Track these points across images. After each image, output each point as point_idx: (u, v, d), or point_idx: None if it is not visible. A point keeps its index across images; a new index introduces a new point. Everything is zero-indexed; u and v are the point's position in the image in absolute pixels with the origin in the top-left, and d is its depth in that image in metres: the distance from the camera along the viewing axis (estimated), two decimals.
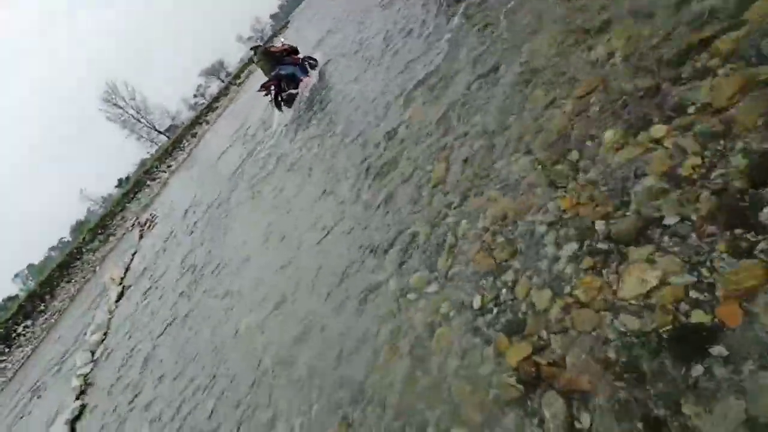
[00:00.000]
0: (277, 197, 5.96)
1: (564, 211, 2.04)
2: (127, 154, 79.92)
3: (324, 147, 5.84)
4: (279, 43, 9.71)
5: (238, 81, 51.59)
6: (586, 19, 3.01)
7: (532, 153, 2.51)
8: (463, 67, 4.04)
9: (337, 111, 6.46)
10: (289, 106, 8.67)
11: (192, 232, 9.24)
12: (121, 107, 57.33)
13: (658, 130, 1.95)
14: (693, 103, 1.92)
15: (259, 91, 9.13)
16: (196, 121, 45.15)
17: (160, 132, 60.65)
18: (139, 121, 59.10)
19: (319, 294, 3.34)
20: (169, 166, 34.05)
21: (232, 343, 4.10)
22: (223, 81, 75.99)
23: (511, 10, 3.99)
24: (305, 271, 3.79)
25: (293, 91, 8.66)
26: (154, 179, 32.53)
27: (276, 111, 8.92)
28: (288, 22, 70.16)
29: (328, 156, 5.47)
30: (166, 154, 39.10)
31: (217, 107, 46.27)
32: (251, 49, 9.43)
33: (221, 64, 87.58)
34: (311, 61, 9.52)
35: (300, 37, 22.81)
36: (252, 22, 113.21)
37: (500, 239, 2.20)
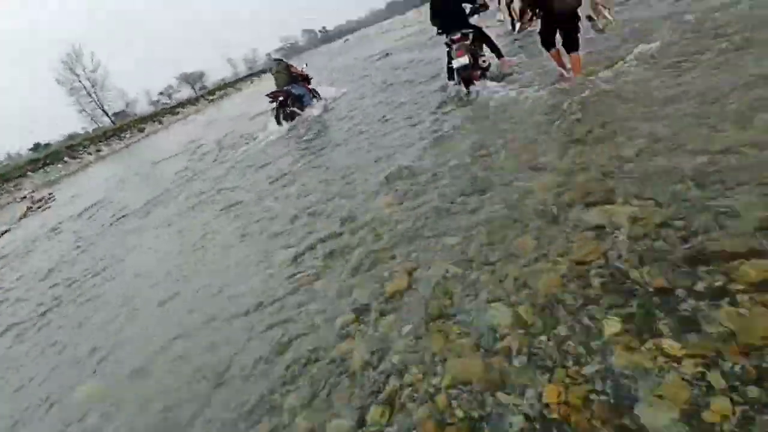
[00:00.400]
0: (201, 236, 5.13)
1: (547, 405, 1.59)
2: (58, 120, 73.00)
3: (282, 194, 5.27)
4: (301, 67, 10.22)
5: (211, 97, 50.72)
6: (590, 179, 2.87)
7: (513, 306, 2.12)
8: (447, 175, 3.79)
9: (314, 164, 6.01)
10: (288, 121, 9.00)
11: (79, 238, 7.80)
12: (77, 74, 53.65)
13: (671, 346, 1.63)
14: (713, 326, 1.63)
15: (267, 95, 9.39)
16: (150, 117, 42.87)
17: (105, 113, 56.62)
18: (89, 94, 55.16)
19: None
20: (98, 151, 31.15)
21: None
22: (195, 91, 74.45)
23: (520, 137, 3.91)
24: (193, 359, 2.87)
25: (296, 110, 9.11)
26: (75, 157, 29.36)
27: (273, 122, 9.20)
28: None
29: (279, 206, 4.89)
30: (102, 136, 36.08)
31: (178, 112, 44.52)
32: (275, 59, 9.99)
33: (201, 75, 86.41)
34: (316, 95, 10.19)
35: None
36: (247, 51, 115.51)
37: (458, 411, 1.69)
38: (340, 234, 3.58)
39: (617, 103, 3.87)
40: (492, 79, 5.97)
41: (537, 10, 4.67)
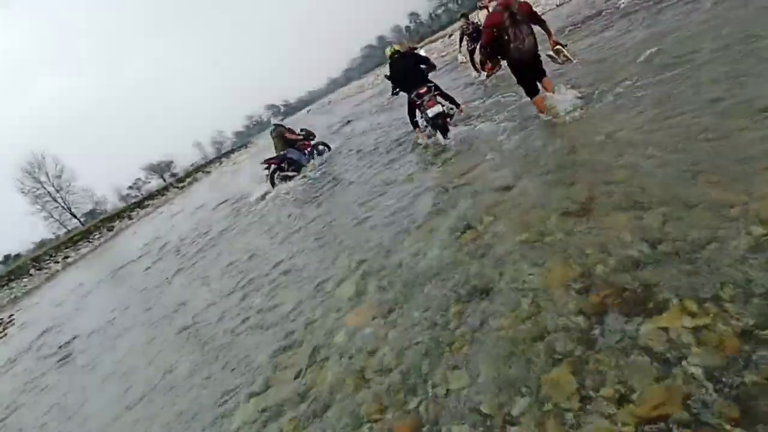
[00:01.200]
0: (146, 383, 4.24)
1: None
2: (26, 228, 70.87)
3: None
4: (298, 129, 10.80)
5: (180, 184, 50.35)
6: (616, 268, 2.23)
7: None
8: (437, 270, 3.12)
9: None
10: (284, 182, 9.47)
11: (28, 380, 6.69)
12: (40, 182, 52.79)
13: None
14: None
15: (262, 163, 10.04)
16: (118, 214, 41.93)
17: (73, 215, 55.22)
18: (55, 200, 54.01)
19: None
20: (66, 258, 29.79)
21: None
22: (165, 180, 74.16)
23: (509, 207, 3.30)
24: None
25: (290, 174, 9.60)
26: (41, 269, 27.94)
27: (268, 184, 9.69)
28: (249, 143, 73.42)
29: (245, 338, 4.08)
30: (70, 242, 34.78)
31: (148, 205, 43.81)
32: (273, 124, 10.38)
33: (169, 164, 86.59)
34: (321, 147, 10.80)
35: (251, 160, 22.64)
36: (213, 134, 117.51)
37: None
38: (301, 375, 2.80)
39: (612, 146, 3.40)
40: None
41: (499, 60, 4.88)
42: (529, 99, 4.92)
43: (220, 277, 5.99)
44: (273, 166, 9.63)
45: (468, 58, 9.98)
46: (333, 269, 4.09)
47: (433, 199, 4.45)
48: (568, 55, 4.74)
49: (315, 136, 10.71)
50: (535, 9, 4.69)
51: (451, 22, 69.50)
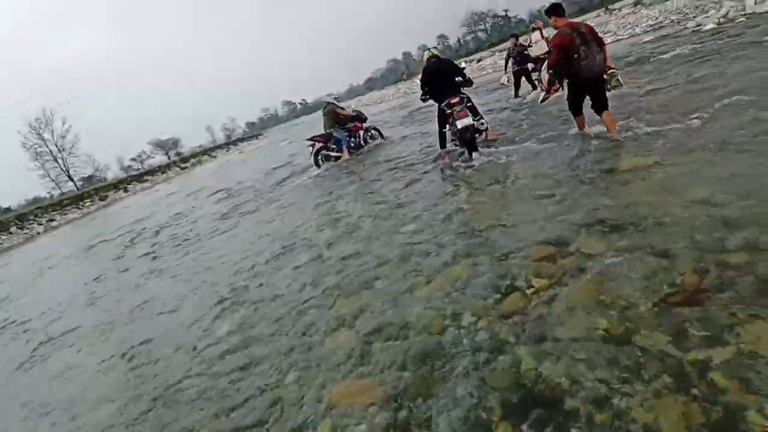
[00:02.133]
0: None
1: None
2: (23, 181, 69.57)
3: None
4: (351, 108, 10.90)
5: (183, 164, 49.43)
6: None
7: None
8: (461, 342, 2.25)
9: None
10: (326, 162, 9.36)
11: None
12: (44, 139, 51.88)
13: None
14: None
15: (307, 140, 9.93)
16: (114, 185, 40.96)
17: (70, 178, 54.17)
18: (56, 159, 53.01)
19: None
20: (51, 221, 28.75)
21: None
22: (169, 158, 73.26)
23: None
24: None
25: (333, 154, 9.40)
26: (23, 228, 26.88)
27: (312, 164, 9.58)
28: (260, 134, 73.18)
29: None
30: (58, 205, 33.73)
31: (146, 180, 42.89)
32: (326, 102, 9.95)
33: (176, 142, 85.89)
34: (373, 132, 10.57)
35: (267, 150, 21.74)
36: (226, 120, 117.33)
37: None
38: None
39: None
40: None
41: (563, 80, 4.91)
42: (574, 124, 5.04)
43: (183, 296, 5.08)
44: (318, 144, 9.40)
45: (512, 80, 9.83)
46: (326, 314, 3.21)
47: (459, 237, 3.60)
48: (621, 80, 4.70)
49: (367, 119, 10.28)
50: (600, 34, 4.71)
51: (477, 50, 69.57)
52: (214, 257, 5.76)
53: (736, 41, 7.21)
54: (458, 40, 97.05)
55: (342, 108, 9.99)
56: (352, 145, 9.79)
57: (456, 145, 6.33)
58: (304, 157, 13.35)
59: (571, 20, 4.66)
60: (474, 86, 7.99)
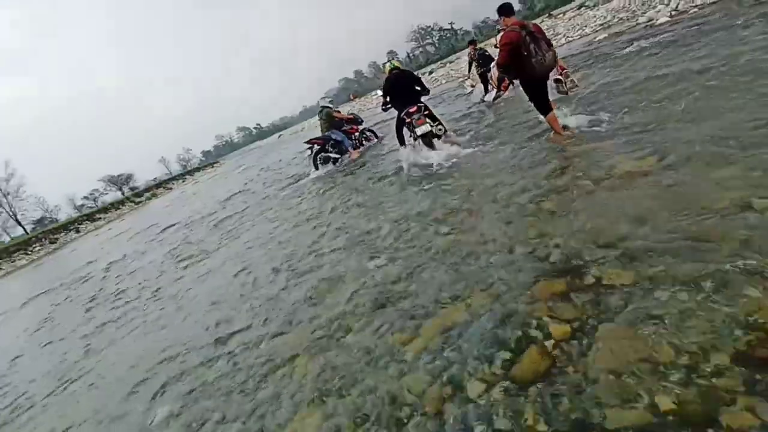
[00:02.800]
0: None
1: None
2: None
3: None
4: (346, 111, 10.66)
5: (137, 199, 46.89)
6: None
7: None
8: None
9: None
10: (327, 165, 9.23)
11: None
12: None
13: None
14: None
15: (305, 143, 9.84)
16: (65, 226, 38.37)
17: (18, 222, 50.91)
18: (1, 205, 49.82)
19: None
20: None
21: None
22: (123, 194, 69.83)
23: None
24: None
25: (333, 155, 9.33)
26: None
27: (312, 167, 9.43)
28: (216, 162, 71.07)
29: None
30: (5, 252, 31.12)
31: (99, 218, 40.41)
32: (321, 106, 9.84)
33: (129, 177, 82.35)
34: (368, 133, 10.49)
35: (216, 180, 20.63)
36: (181, 151, 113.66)
37: None
38: None
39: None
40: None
41: (513, 79, 4.94)
42: (541, 117, 4.84)
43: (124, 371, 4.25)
44: (316, 147, 9.37)
45: (479, 80, 10.24)
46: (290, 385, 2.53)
47: (441, 265, 3.00)
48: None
49: (363, 122, 10.22)
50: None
51: (427, 63, 70.59)
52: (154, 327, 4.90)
53: (700, 29, 7.06)
54: (407, 55, 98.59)
55: (338, 111, 10.11)
56: (350, 144, 9.72)
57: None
58: (261, 183, 12.60)
59: (519, 20, 4.58)
60: (435, 94, 8.36)
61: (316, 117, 10.00)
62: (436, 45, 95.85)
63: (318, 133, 9.92)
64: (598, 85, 5.76)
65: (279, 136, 68.28)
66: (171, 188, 49.37)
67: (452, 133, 6.79)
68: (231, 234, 7.31)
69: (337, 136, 9.33)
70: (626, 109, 4.60)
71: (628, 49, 7.95)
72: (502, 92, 5.70)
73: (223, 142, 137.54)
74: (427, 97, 7.08)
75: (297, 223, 6.07)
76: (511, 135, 5.65)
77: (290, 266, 4.40)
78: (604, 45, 10.17)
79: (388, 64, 6.86)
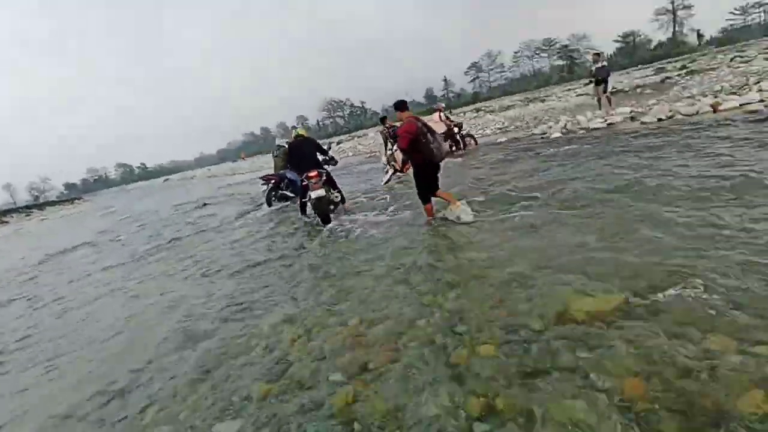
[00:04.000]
0: None
1: None
2: None
3: None
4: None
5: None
6: None
7: None
8: None
9: None
10: (279, 203, 9.16)
11: None
12: None
13: None
14: None
15: (261, 178, 9.75)
16: None
17: None
18: None
19: None
20: None
21: None
22: None
23: None
24: None
25: (288, 194, 9.14)
26: None
27: (264, 204, 9.31)
28: (79, 199, 61.81)
29: None
30: None
31: None
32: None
33: None
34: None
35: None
36: (37, 180, 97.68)
37: None
38: None
39: None
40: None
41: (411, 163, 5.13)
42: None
43: None
44: (272, 183, 9.23)
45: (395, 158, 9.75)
46: None
47: None
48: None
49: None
50: None
51: (335, 134, 72.53)
52: None
53: (590, 145, 7.40)
54: (317, 123, 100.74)
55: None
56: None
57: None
58: (124, 233, 10.26)
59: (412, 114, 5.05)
60: (342, 165, 8.15)
61: (162, 179, 8.76)
62: (346, 119, 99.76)
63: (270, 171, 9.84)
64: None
65: (165, 180, 62.37)
66: (6, 222, 40.69)
67: (352, 206, 6.87)
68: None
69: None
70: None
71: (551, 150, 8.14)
72: (403, 173, 5.78)
73: (96, 177, 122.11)
74: (332, 168, 7.06)
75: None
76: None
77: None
78: (518, 145, 10.57)
79: (294, 131, 6.94)
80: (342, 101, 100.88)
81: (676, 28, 70.78)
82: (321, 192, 6.01)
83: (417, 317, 2.75)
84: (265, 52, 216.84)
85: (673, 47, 67.38)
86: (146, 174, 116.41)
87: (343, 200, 6.76)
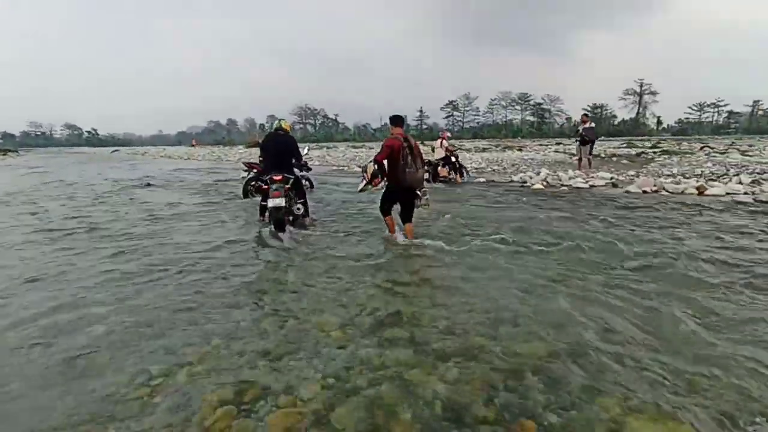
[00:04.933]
0: None
1: None
2: None
3: None
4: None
5: None
6: None
7: None
8: None
9: None
10: (249, 194, 8.35)
11: None
12: None
13: None
14: None
15: (243, 163, 9.15)
16: None
17: None
18: None
19: None
20: None
21: None
22: None
23: None
24: None
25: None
26: None
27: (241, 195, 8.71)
28: (14, 151, 56.41)
29: None
30: None
31: None
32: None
33: None
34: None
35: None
36: None
37: None
38: None
39: None
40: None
41: (385, 179, 4.94)
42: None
43: None
44: (254, 172, 8.34)
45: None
46: None
47: None
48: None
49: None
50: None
51: (304, 140, 70.78)
52: None
53: (574, 199, 6.98)
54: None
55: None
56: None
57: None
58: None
59: (405, 133, 4.91)
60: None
61: (111, 150, 7.53)
62: (317, 127, 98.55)
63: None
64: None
65: (113, 151, 58.08)
66: None
67: (313, 219, 6.36)
68: None
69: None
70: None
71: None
72: (373, 186, 5.20)
73: (38, 132, 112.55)
74: (302, 173, 6.63)
75: None
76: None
77: None
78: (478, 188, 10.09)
79: (276, 122, 6.35)
80: (316, 109, 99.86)
81: (640, 111, 76.23)
82: (280, 202, 5.43)
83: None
84: (242, 44, 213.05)
85: (635, 127, 72.34)
86: (95, 140, 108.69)
87: (306, 213, 6.17)
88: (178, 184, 12.37)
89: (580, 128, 11.89)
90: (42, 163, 28.59)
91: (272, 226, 5.53)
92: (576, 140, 12.40)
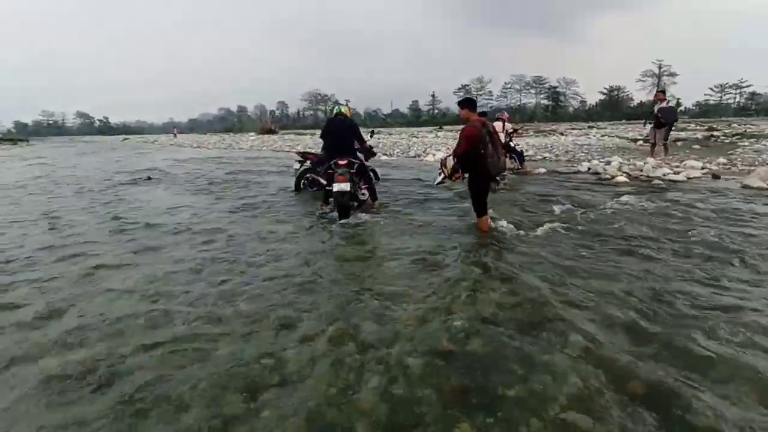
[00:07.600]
0: None
1: None
2: None
3: None
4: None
5: None
6: None
7: None
8: None
9: None
10: (309, 189, 7.77)
11: None
12: None
13: None
14: None
15: (297, 152, 9.11)
16: None
17: None
18: None
19: None
20: None
21: None
22: None
23: None
24: None
25: (321, 180, 7.07)
26: None
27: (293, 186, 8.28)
28: (25, 141, 55.87)
29: None
30: None
31: None
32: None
33: None
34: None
35: None
36: None
37: None
38: None
39: None
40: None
41: (466, 173, 4.67)
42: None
43: None
44: (307, 163, 7.92)
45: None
46: None
47: None
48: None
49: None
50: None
51: (314, 126, 68.39)
52: None
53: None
54: (297, 112, 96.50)
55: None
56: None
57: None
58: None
59: (482, 118, 4.64)
60: None
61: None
62: (327, 114, 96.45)
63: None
64: None
65: (124, 139, 57.15)
66: None
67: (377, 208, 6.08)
68: None
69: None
70: None
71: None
72: (454, 181, 4.83)
73: (50, 122, 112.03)
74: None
75: None
76: None
77: None
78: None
79: (336, 108, 6.25)
80: (327, 95, 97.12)
81: None
82: (344, 186, 5.39)
83: None
84: (250, 29, 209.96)
85: (653, 109, 68.77)
86: (107, 129, 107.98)
87: (374, 198, 6.19)
88: (184, 176, 10.82)
89: (655, 108, 10.01)
90: (47, 153, 27.36)
91: (336, 213, 5.45)
92: (649, 122, 10.49)
